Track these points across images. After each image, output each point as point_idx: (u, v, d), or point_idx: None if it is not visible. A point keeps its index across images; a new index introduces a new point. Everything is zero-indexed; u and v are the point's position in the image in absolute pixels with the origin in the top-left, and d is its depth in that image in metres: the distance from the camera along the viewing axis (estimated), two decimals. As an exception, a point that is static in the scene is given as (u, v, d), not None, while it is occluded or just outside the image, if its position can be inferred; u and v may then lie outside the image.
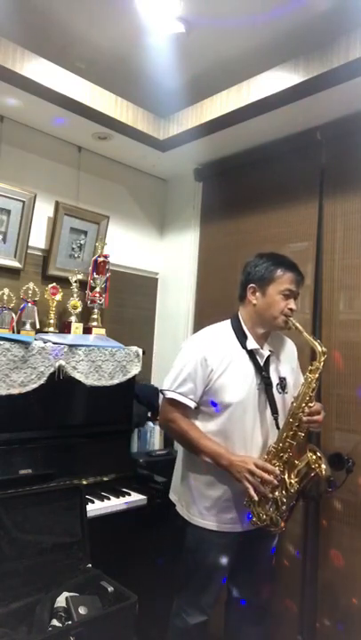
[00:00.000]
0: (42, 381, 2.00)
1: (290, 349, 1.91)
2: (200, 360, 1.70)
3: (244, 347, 1.75)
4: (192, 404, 1.72)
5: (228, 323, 1.83)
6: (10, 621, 1.48)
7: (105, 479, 2.20)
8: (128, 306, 2.84)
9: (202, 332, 1.85)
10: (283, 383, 1.80)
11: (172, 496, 1.89)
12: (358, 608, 1.89)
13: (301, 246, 2.26)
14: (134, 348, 2.37)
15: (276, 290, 1.72)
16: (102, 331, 2.47)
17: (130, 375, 2.33)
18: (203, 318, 1.88)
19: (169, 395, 1.74)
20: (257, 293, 1.75)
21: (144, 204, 2.90)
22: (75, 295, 2.40)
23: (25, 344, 1.97)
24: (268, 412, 1.74)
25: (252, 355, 1.75)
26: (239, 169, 2.57)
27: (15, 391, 1.93)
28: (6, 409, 1.95)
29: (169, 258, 2.96)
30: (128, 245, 2.81)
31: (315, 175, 2.20)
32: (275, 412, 1.73)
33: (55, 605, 1.53)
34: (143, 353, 2.39)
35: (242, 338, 1.77)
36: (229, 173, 2.63)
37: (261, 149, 2.42)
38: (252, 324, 1.78)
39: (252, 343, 1.76)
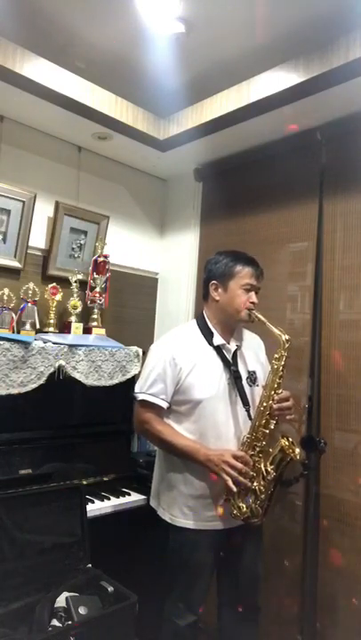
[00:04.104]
0: (42, 381, 2.00)
1: (257, 344, 1.95)
2: (169, 360, 1.74)
3: (210, 343, 1.79)
4: (164, 404, 1.75)
5: (193, 322, 1.88)
6: (10, 621, 1.48)
7: (105, 479, 2.20)
8: (128, 306, 2.84)
9: (169, 334, 1.89)
10: (252, 376, 1.83)
11: (152, 502, 1.90)
12: (358, 608, 1.89)
13: (301, 246, 2.26)
14: (134, 348, 2.37)
15: (236, 284, 1.77)
16: (102, 331, 2.47)
17: (129, 375, 2.33)
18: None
19: (140, 396, 1.77)
20: (219, 289, 1.80)
21: (144, 204, 2.90)
22: (75, 295, 2.40)
23: (25, 344, 1.97)
24: (240, 405, 1.76)
25: (219, 350, 1.79)
26: (239, 169, 2.57)
27: (15, 391, 1.93)
28: (6, 409, 1.95)
29: (169, 258, 2.96)
30: (128, 245, 2.81)
31: (315, 175, 2.20)
32: (246, 403, 1.76)
33: (55, 605, 1.54)
34: (143, 353, 2.39)
35: (208, 335, 1.81)
36: (229, 173, 2.63)
37: (261, 149, 2.42)
38: (217, 321, 1.83)
39: (218, 339, 1.79)
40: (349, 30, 1.75)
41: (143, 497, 2.13)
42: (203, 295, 1.89)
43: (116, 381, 2.27)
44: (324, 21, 1.81)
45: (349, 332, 2.05)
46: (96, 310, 2.49)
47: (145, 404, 1.76)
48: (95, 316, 2.49)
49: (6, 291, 2.14)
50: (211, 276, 1.83)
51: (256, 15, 1.82)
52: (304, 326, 2.20)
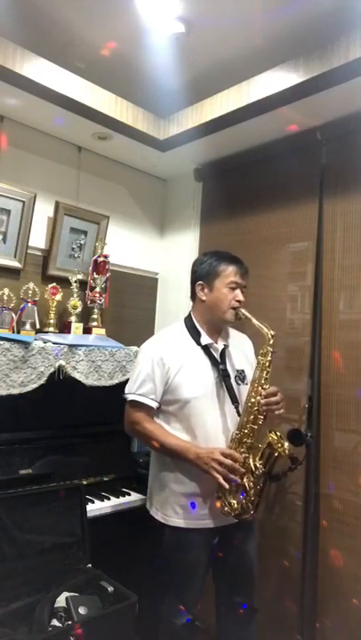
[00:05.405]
0: (42, 381, 2.00)
1: (245, 343, 1.98)
2: (157, 360, 1.76)
3: (198, 343, 1.81)
4: (154, 404, 1.77)
5: (181, 322, 1.90)
6: (10, 621, 1.48)
7: (105, 479, 2.20)
8: (128, 306, 2.84)
9: (157, 334, 1.93)
10: (241, 375, 1.85)
11: (147, 503, 1.92)
12: (358, 608, 1.89)
13: (301, 246, 2.26)
14: (134, 348, 2.37)
15: (222, 283, 1.80)
16: (102, 331, 2.47)
17: (129, 375, 2.32)
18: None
19: (130, 397, 1.79)
20: (205, 289, 1.83)
21: (144, 204, 2.90)
22: (75, 295, 2.39)
23: (25, 344, 1.97)
24: (228, 403, 1.77)
25: (206, 350, 1.81)
26: (239, 169, 2.57)
27: (15, 391, 1.93)
28: (6, 409, 1.95)
29: (169, 258, 2.96)
30: (128, 245, 2.81)
31: (315, 175, 2.20)
32: (235, 401, 1.77)
33: (55, 605, 1.54)
34: (143, 353, 2.39)
35: (195, 335, 1.83)
36: (229, 173, 2.63)
37: (261, 149, 2.42)
38: (204, 321, 1.85)
39: (205, 339, 1.82)
40: (349, 30, 1.75)
41: (143, 497, 2.12)
42: (190, 296, 1.92)
43: (116, 381, 2.27)
44: (325, 21, 1.81)
45: (349, 331, 2.05)
46: (96, 310, 2.49)
47: (135, 404, 1.78)
48: (95, 316, 2.49)
49: (6, 291, 2.14)
50: (196, 276, 1.86)
51: (256, 15, 1.82)
52: (304, 326, 2.20)
